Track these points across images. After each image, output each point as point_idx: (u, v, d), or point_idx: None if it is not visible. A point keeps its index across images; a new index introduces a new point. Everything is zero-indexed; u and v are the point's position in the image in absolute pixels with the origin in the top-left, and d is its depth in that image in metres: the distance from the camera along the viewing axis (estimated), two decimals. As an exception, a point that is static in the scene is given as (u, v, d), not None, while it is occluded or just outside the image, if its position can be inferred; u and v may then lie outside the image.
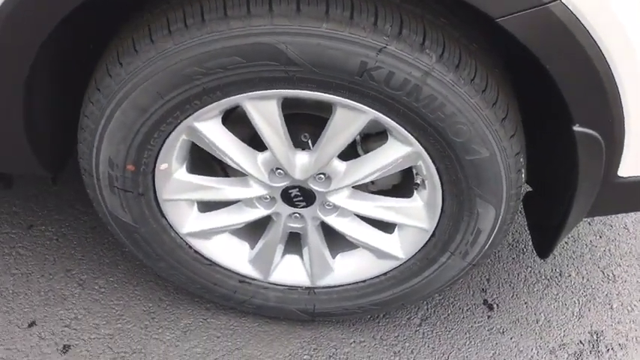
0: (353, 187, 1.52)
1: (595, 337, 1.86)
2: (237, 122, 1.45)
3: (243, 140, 1.44)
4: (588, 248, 2.10)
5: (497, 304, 1.93)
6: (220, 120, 1.39)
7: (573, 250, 2.09)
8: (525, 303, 1.94)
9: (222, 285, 1.72)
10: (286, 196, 1.52)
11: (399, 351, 1.80)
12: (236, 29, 1.20)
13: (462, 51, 1.25)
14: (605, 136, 1.29)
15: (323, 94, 1.28)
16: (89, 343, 1.76)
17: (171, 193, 1.52)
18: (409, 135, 1.33)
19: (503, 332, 1.86)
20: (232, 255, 1.69)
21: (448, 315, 1.89)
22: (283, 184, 1.49)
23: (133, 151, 1.40)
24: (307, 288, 1.72)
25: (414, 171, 1.47)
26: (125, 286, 1.89)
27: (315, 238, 1.62)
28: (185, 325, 1.82)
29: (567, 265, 2.04)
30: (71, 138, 1.51)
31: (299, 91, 1.28)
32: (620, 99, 1.24)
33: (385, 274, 1.65)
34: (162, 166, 1.46)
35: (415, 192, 1.51)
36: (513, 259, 2.05)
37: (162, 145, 1.41)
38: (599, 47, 1.16)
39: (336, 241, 1.66)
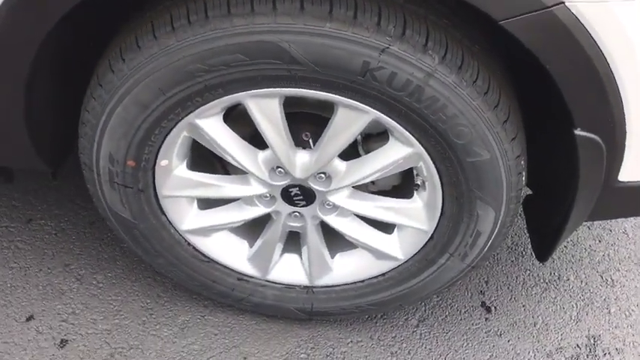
0: (353, 187, 1.52)
1: (592, 341, 1.86)
2: (238, 120, 1.45)
3: (244, 138, 1.44)
4: (587, 252, 2.10)
5: (495, 307, 1.93)
6: (222, 117, 1.39)
7: (572, 254, 2.09)
8: (523, 306, 1.94)
9: (220, 282, 1.72)
10: (286, 195, 1.52)
11: (396, 352, 1.80)
12: (239, 27, 1.20)
13: (464, 53, 1.25)
14: (606, 140, 1.29)
15: (325, 93, 1.28)
16: (86, 338, 1.76)
17: (171, 189, 1.52)
18: (410, 136, 1.33)
19: (500, 335, 1.86)
20: (231, 252, 1.69)
21: (446, 316, 1.89)
22: (283, 182, 1.49)
23: (134, 147, 1.40)
24: (305, 287, 1.72)
25: (415, 172, 1.47)
26: (123, 282, 1.89)
27: (314, 238, 1.62)
28: (183, 322, 1.82)
29: (566, 269, 2.04)
30: (72, 133, 1.51)
31: (301, 90, 1.27)
32: (622, 104, 1.24)
33: (384, 274, 1.65)
34: (162, 163, 1.46)
35: (415, 193, 1.51)
36: (512, 261, 2.05)
37: (163, 142, 1.41)
38: (601, 52, 1.16)
39: (335, 240, 1.66)
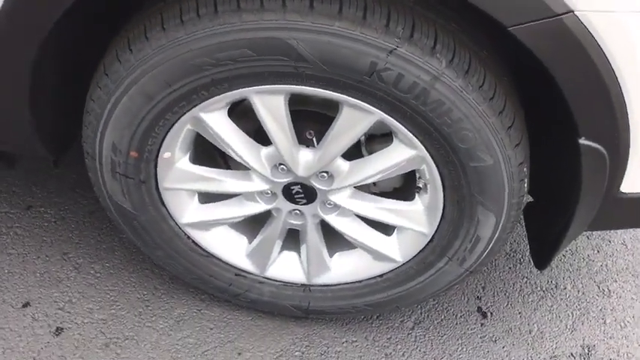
0: (355, 187, 1.52)
1: (587, 350, 1.86)
2: (242, 116, 1.45)
3: (248, 134, 1.44)
4: (585, 262, 2.10)
5: (491, 313, 1.93)
6: (226, 112, 1.39)
7: (570, 263, 2.09)
8: (519, 313, 1.94)
9: (217, 277, 1.72)
10: (288, 193, 1.52)
11: (390, 353, 1.80)
12: (248, 22, 1.20)
13: (471, 57, 1.25)
14: (610, 151, 1.29)
15: (331, 92, 1.28)
16: (82, 327, 1.76)
17: (172, 182, 1.52)
18: (414, 138, 1.33)
19: (495, 341, 1.87)
20: (230, 248, 1.69)
21: (441, 320, 1.90)
22: (285, 180, 1.49)
23: (137, 138, 1.40)
24: (303, 285, 1.72)
25: (417, 175, 1.47)
26: (121, 273, 1.89)
27: (313, 236, 1.62)
28: (179, 315, 1.82)
29: (563, 278, 2.04)
30: (76, 122, 1.51)
31: (307, 87, 1.27)
32: (627, 115, 1.24)
33: (381, 275, 1.66)
34: (165, 155, 1.46)
35: (416, 196, 1.51)
36: (510, 268, 2.05)
37: (166, 134, 1.41)
38: (609, 62, 1.16)
39: (334, 240, 1.66)
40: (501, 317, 1.92)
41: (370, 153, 1.48)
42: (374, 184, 1.60)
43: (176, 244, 1.65)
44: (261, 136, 1.42)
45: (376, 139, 1.50)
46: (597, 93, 1.20)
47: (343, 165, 1.45)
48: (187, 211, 1.60)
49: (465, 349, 1.83)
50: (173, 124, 1.39)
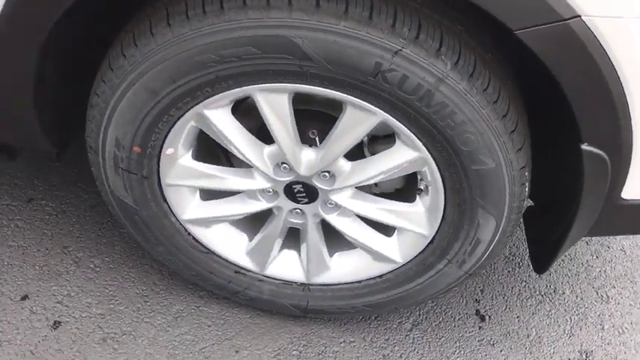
0: (356, 187, 1.52)
1: (584, 356, 1.87)
2: (246, 113, 1.45)
3: (251, 132, 1.44)
4: (584, 267, 2.10)
5: (489, 316, 1.93)
6: (230, 109, 1.39)
7: (569, 268, 2.10)
8: (517, 317, 1.94)
9: (217, 274, 1.72)
10: (289, 191, 1.52)
11: (387, 354, 1.80)
12: (254, 19, 1.20)
13: (477, 60, 1.25)
14: (612, 157, 1.29)
15: (335, 91, 1.28)
16: (80, 321, 1.76)
17: (174, 178, 1.52)
18: (417, 140, 1.33)
19: (493, 344, 1.87)
20: (230, 245, 1.69)
21: (440, 322, 1.90)
22: (287, 178, 1.49)
23: (141, 133, 1.40)
24: (302, 284, 1.72)
25: (419, 176, 1.48)
26: (120, 268, 1.89)
27: (314, 236, 1.62)
28: (177, 311, 1.82)
29: (562, 283, 2.05)
30: (79, 115, 1.51)
31: (311, 86, 1.28)
32: (630, 122, 1.24)
33: (381, 276, 1.66)
34: (168, 151, 1.46)
35: (418, 197, 1.51)
36: (509, 272, 2.06)
37: (170, 130, 1.41)
38: (614, 68, 1.16)
39: (334, 239, 1.67)
40: (499, 321, 1.92)
41: (372, 154, 1.48)
42: (375, 184, 1.60)
43: (177, 241, 1.65)
44: (264, 135, 1.42)
45: (379, 140, 1.50)
46: (601, 99, 1.20)
47: (345, 165, 1.45)
48: (189, 208, 1.60)
49: (462, 352, 1.84)
50: (177, 121, 1.39)
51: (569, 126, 1.28)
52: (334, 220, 1.58)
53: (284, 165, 1.46)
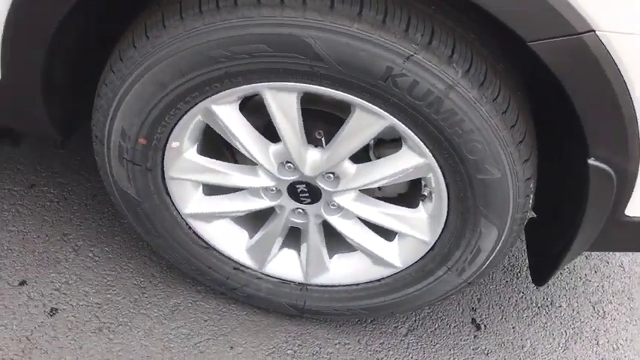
0: (360, 190, 1.52)
1: (578, 370, 1.87)
2: (253, 111, 1.45)
3: (258, 129, 1.44)
4: (582, 282, 2.10)
5: (485, 325, 1.93)
6: (238, 106, 1.39)
7: (567, 281, 2.09)
8: (513, 327, 1.94)
9: (216, 270, 1.72)
10: (292, 191, 1.52)
11: (382, 358, 1.80)
12: (267, 17, 1.20)
13: (488, 69, 1.24)
14: (618, 174, 1.29)
15: (344, 93, 1.27)
16: (77, 309, 1.76)
17: (178, 171, 1.52)
18: (424, 146, 1.33)
19: (487, 354, 1.86)
20: (230, 241, 1.69)
21: (435, 329, 1.89)
22: (291, 178, 1.49)
23: (147, 125, 1.40)
24: (300, 284, 1.72)
25: (423, 182, 1.47)
26: (119, 258, 1.89)
27: (315, 236, 1.62)
28: (174, 305, 1.82)
29: (559, 296, 2.04)
30: (86, 104, 1.51)
31: (321, 87, 1.27)
32: (639, 139, 1.24)
33: (380, 280, 1.65)
34: (173, 144, 1.45)
35: (421, 203, 1.51)
36: (507, 282, 2.05)
37: (176, 123, 1.41)
38: (625, 84, 1.15)
39: (335, 241, 1.66)
40: (495, 330, 1.92)
41: (378, 157, 1.48)
42: (379, 188, 1.60)
43: (177, 234, 1.65)
44: (270, 133, 1.42)
45: (385, 143, 1.50)
46: (611, 114, 1.19)
47: (350, 167, 1.45)
48: (191, 202, 1.60)
49: (456, 360, 1.84)
50: (184, 114, 1.39)
51: (577, 138, 1.28)
52: (336, 221, 1.58)
53: (289, 164, 1.46)
